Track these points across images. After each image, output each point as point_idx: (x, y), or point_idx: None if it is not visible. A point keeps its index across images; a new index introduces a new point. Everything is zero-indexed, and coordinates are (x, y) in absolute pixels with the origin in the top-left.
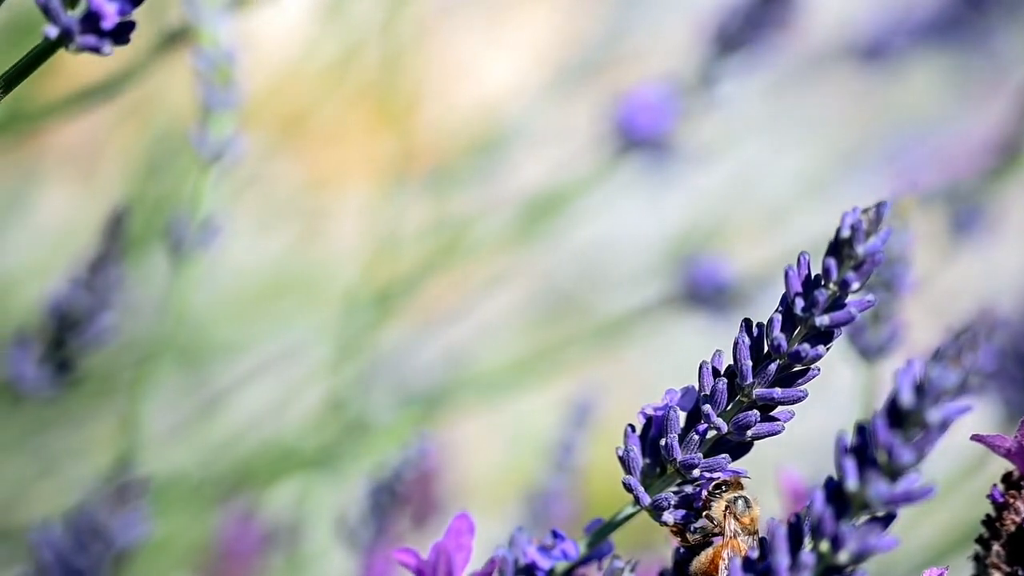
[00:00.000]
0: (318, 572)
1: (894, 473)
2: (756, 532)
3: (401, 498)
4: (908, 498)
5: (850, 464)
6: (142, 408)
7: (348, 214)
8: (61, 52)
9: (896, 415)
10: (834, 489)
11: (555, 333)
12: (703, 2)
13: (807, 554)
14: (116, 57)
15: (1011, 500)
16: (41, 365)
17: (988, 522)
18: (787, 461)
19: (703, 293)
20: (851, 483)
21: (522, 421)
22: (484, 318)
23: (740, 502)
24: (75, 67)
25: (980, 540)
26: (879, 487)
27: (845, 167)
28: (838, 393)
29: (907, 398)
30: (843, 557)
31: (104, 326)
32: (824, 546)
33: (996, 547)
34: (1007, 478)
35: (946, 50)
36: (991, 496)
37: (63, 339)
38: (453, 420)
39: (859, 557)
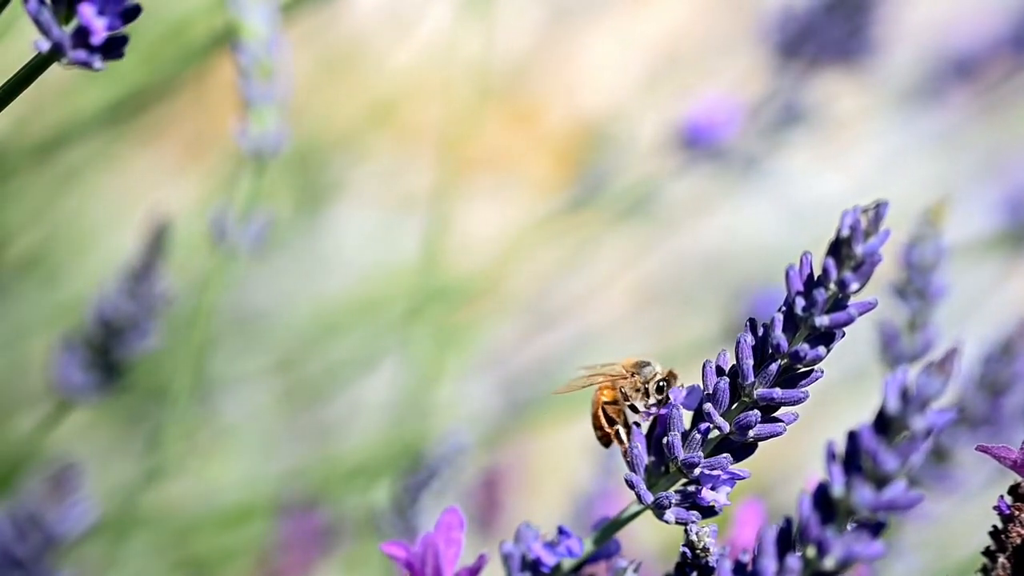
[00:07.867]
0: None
1: (880, 480)
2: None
3: (434, 493)
4: (893, 506)
5: (836, 470)
6: (178, 409)
7: (473, 215)
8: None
9: (882, 422)
10: (821, 495)
11: (671, 338)
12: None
13: (793, 559)
14: None
15: (1017, 512)
16: (87, 370)
17: (995, 534)
18: None
19: None
20: (837, 489)
21: None
22: (598, 320)
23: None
24: None
25: (987, 552)
26: (864, 493)
27: (966, 181)
28: None
29: (893, 405)
30: (828, 563)
31: (146, 332)
32: (810, 551)
33: (1002, 559)
34: (1014, 490)
35: None
36: (997, 508)
37: (107, 345)
38: (557, 425)
39: (844, 564)
